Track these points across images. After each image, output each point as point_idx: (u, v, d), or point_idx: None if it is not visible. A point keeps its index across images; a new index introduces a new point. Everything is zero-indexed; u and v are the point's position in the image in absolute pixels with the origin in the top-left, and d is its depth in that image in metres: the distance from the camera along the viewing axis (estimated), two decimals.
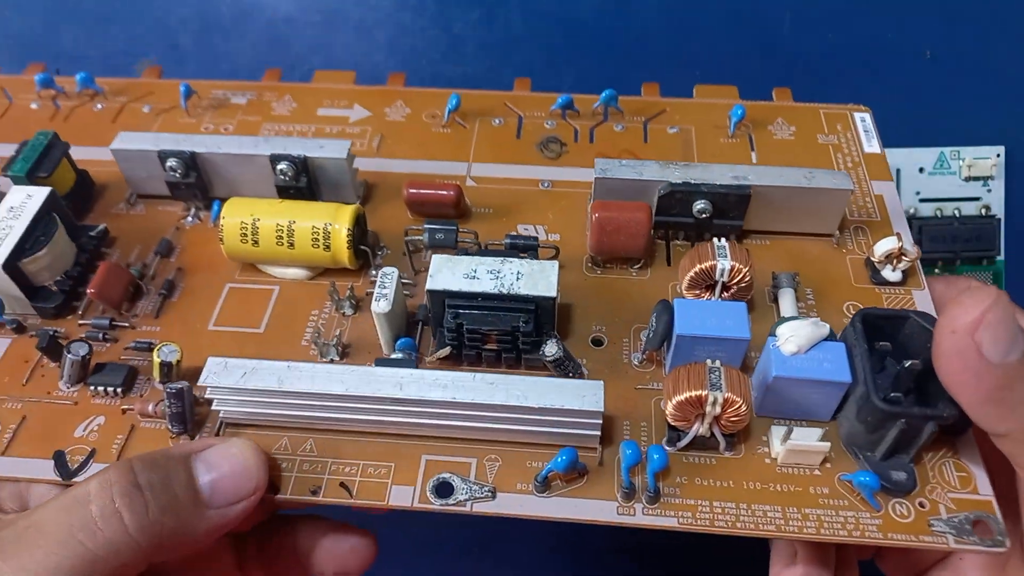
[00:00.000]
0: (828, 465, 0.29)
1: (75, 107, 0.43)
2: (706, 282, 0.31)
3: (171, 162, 0.35)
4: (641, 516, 0.28)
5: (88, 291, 0.32)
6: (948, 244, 0.53)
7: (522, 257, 0.31)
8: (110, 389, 0.31)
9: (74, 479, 0.29)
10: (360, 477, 0.29)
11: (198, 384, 0.28)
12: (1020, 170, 0.53)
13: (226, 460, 0.28)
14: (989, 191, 0.53)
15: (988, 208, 0.53)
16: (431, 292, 0.30)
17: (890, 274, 0.33)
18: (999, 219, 0.53)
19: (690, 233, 0.35)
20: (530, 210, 0.37)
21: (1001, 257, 0.53)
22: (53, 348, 0.31)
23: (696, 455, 0.29)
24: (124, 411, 0.31)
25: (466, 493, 0.28)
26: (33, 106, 0.43)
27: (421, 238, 0.34)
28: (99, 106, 0.43)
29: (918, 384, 0.28)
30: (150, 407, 0.30)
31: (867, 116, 0.41)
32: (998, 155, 0.53)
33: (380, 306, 0.30)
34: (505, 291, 0.30)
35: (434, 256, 0.31)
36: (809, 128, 0.41)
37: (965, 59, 0.55)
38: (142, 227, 0.37)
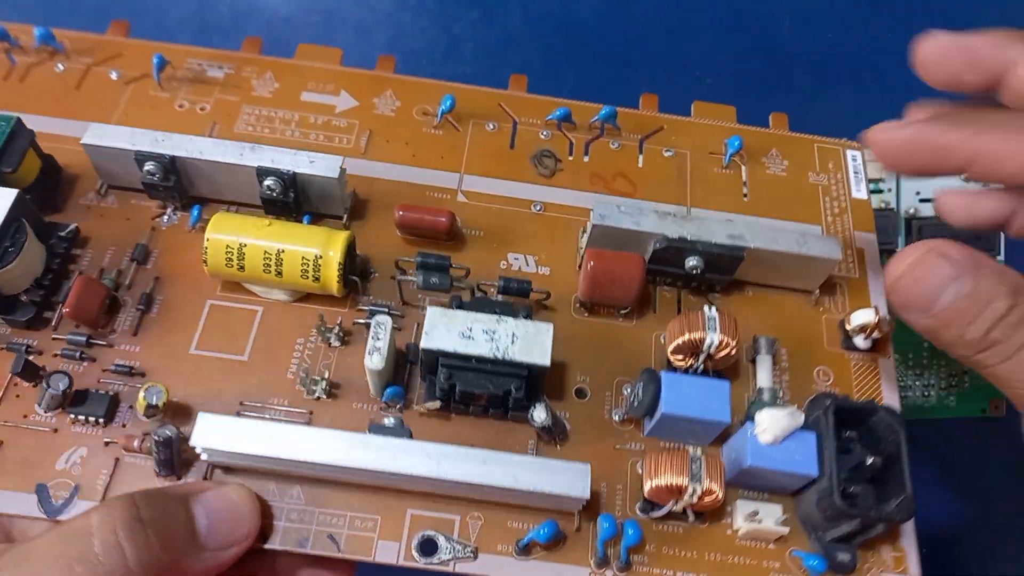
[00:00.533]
0: (782, 539, 0.31)
1: (32, 65, 0.39)
2: (693, 350, 0.32)
3: (149, 166, 0.33)
4: None
5: (64, 311, 0.31)
6: None
7: (517, 313, 0.31)
8: (92, 419, 0.30)
9: (59, 516, 0.29)
10: (347, 529, 0.30)
11: (189, 444, 0.28)
12: None
13: (224, 505, 0.28)
14: None
15: None
16: (426, 350, 0.30)
17: (861, 342, 0.35)
18: None
19: (678, 282, 0.36)
20: (522, 237, 0.37)
21: (1001, 257, 0.53)
22: (29, 371, 0.31)
23: (666, 524, 0.31)
24: (107, 443, 0.30)
25: (449, 552, 0.30)
26: None
27: (414, 279, 0.33)
28: (60, 67, 0.39)
29: (878, 475, 0.30)
30: (135, 443, 0.30)
31: (859, 155, 0.41)
32: None
33: (373, 362, 0.30)
34: (500, 355, 0.30)
35: (429, 310, 0.31)
36: (802, 163, 0.41)
37: None
38: (115, 224, 0.35)
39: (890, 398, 0.34)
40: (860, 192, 0.40)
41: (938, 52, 0.31)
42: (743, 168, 0.40)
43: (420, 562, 0.29)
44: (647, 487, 0.29)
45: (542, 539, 0.29)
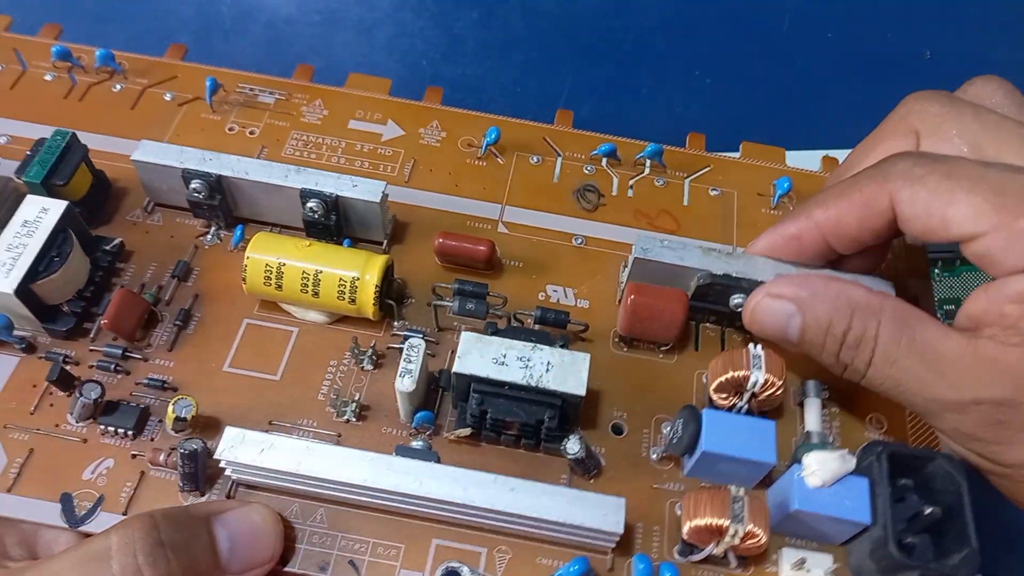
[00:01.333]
0: None
1: (92, 85, 0.40)
2: (736, 389, 0.31)
3: (195, 184, 0.34)
4: None
5: (102, 322, 0.31)
6: (948, 244, 0.52)
7: (553, 342, 0.31)
8: (121, 430, 0.30)
9: (81, 527, 0.29)
10: (369, 556, 0.29)
11: (214, 457, 0.28)
12: None
13: (246, 527, 0.28)
14: None
15: None
16: (458, 375, 0.29)
17: None
18: None
19: (722, 320, 0.35)
20: (561, 270, 0.36)
21: None
22: (64, 380, 0.31)
23: (705, 570, 0.29)
24: (134, 456, 0.30)
25: None
26: (47, 78, 0.40)
27: (451, 304, 0.32)
28: (118, 87, 0.40)
29: (937, 527, 0.28)
30: (161, 457, 0.30)
31: None
32: None
33: (404, 384, 0.29)
34: (533, 384, 0.29)
35: (464, 335, 0.30)
36: None
37: (965, 59, 0.55)
38: (159, 241, 0.35)
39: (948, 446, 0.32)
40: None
41: (768, 251, 0.32)
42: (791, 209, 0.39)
43: None
44: (686, 528, 0.28)
45: None
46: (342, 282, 0.32)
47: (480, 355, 0.30)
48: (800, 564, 0.28)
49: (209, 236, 0.36)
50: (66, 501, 0.29)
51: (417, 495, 0.27)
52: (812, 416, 0.32)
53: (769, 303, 0.29)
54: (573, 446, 0.29)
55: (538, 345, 0.30)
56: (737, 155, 0.41)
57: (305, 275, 0.32)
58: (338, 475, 0.27)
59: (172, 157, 0.34)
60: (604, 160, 0.40)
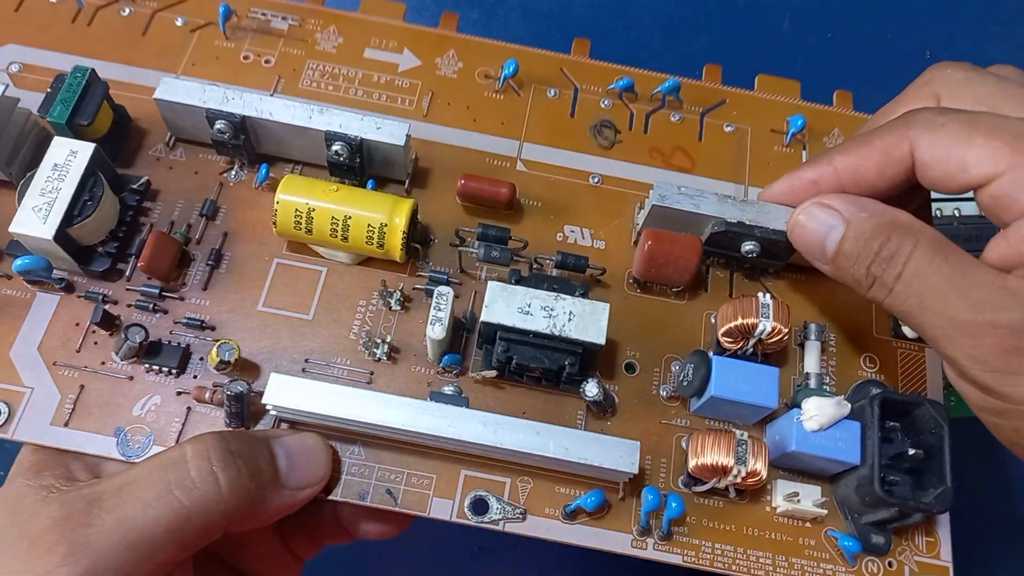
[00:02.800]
0: (819, 520, 0.32)
1: (99, 8, 0.39)
2: (744, 335, 0.33)
3: (220, 124, 0.34)
4: (652, 551, 0.31)
5: (139, 264, 0.33)
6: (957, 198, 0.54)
7: (574, 290, 0.32)
8: (165, 369, 0.32)
9: (136, 459, 0.31)
10: (404, 485, 0.31)
11: (262, 402, 0.30)
12: None
13: (301, 448, 0.30)
14: None
15: None
16: (486, 323, 0.31)
17: (910, 331, 0.35)
18: None
19: (732, 263, 0.36)
20: (578, 209, 0.37)
21: None
22: (107, 320, 0.32)
23: (707, 498, 0.32)
24: (179, 393, 0.32)
25: (500, 513, 0.31)
26: (52, 0, 0.39)
27: (475, 251, 0.34)
28: (126, 10, 0.39)
29: (918, 466, 0.31)
30: (206, 394, 0.32)
31: None
32: None
33: (435, 331, 0.31)
34: (557, 332, 0.31)
35: (490, 284, 0.31)
36: None
37: (965, 59, 0.56)
38: (183, 177, 0.36)
39: (934, 389, 0.35)
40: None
41: (785, 195, 0.33)
42: (804, 149, 0.40)
43: (472, 520, 0.31)
44: (692, 464, 0.31)
45: (588, 507, 0.30)
46: (370, 227, 0.33)
47: (506, 305, 0.31)
48: (792, 496, 0.32)
49: (233, 173, 0.36)
50: (120, 435, 0.31)
51: (450, 437, 0.29)
52: (812, 359, 0.34)
53: (816, 211, 0.30)
54: (591, 389, 0.32)
55: (560, 295, 0.32)
56: (752, 90, 0.41)
57: (334, 219, 0.33)
58: (378, 418, 0.29)
59: (195, 96, 0.34)
60: (621, 94, 0.40)
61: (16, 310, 0.33)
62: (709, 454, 0.30)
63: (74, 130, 0.34)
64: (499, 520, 0.31)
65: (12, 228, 0.31)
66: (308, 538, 0.36)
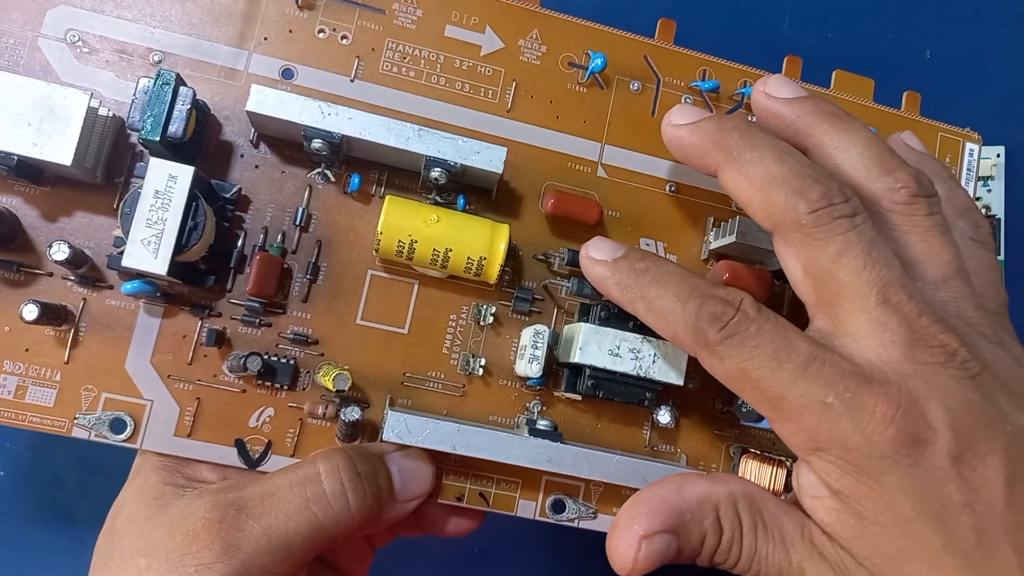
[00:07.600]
0: None
1: None
2: None
3: (317, 143, 0.33)
4: None
5: (248, 290, 0.34)
6: None
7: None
8: (277, 385, 0.34)
9: (258, 468, 0.34)
10: (495, 489, 0.36)
11: (381, 439, 0.33)
12: (1020, 170, 0.56)
13: (411, 464, 0.34)
14: (989, 191, 0.55)
15: (988, 208, 0.56)
16: (579, 365, 0.34)
17: None
18: (999, 219, 0.56)
19: None
20: (654, 220, 0.39)
21: (1001, 257, 0.56)
22: (219, 339, 0.34)
23: None
24: (291, 406, 0.35)
25: (575, 512, 0.37)
26: None
27: (567, 284, 0.36)
28: None
29: None
30: (319, 409, 0.35)
31: (975, 150, 0.42)
32: (998, 155, 0.54)
33: (533, 369, 0.34)
34: (642, 374, 0.34)
35: (583, 328, 0.34)
36: None
37: (965, 59, 0.57)
38: (271, 180, 0.36)
39: None
40: (968, 188, 0.42)
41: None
42: None
43: (551, 518, 0.36)
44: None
45: None
46: (470, 260, 0.34)
47: (598, 347, 0.34)
48: None
49: (319, 175, 0.36)
50: (240, 445, 0.34)
51: (547, 470, 0.34)
52: None
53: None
54: (664, 416, 0.36)
55: (647, 338, 0.35)
56: (828, 88, 0.41)
57: (436, 252, 0.34)
58: (484, 453, 0.33)
59: (292, 111, 0.33)
60: (703, 93, 0.40)
61: (123, 324, 0.34)
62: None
63: (165, 145, 0.32)
64: (574, 518, 0.37)
65: (125, 263, 0.31)
66: (387, 529, 0.41)
